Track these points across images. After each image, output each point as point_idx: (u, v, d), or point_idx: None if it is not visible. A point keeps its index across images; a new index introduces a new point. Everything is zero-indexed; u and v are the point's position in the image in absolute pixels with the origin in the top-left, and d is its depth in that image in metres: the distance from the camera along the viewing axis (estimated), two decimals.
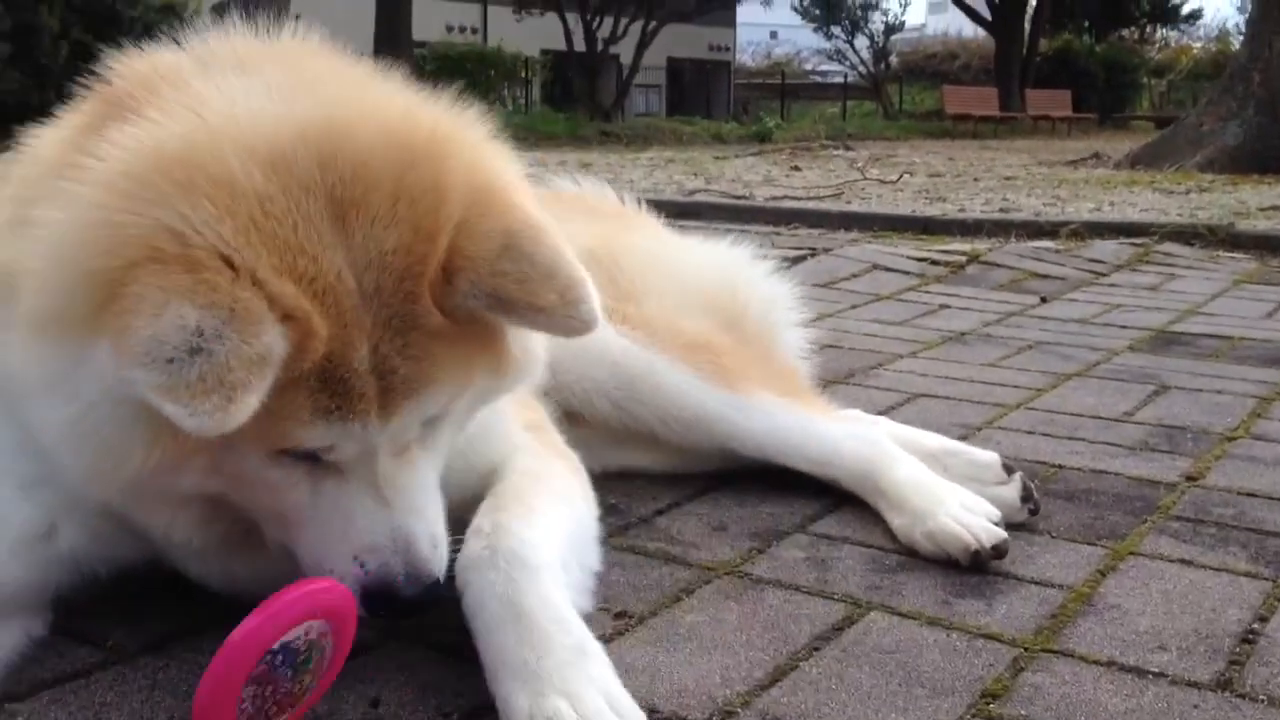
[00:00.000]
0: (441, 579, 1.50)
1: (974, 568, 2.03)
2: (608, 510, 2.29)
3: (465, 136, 1.57)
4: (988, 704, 1.61)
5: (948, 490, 2.18)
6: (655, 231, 2.85)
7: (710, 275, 2.65)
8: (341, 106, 1.47)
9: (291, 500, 1.46)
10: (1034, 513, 2.26)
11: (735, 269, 2.76)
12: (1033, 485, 2.27)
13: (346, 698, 1.56)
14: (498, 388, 1.62)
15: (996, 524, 2.08)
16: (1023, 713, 1.59)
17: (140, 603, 1.75)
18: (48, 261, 1.36)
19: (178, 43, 1.63)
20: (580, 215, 2.53)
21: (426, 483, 1.53)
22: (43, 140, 1.62)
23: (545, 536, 1.62)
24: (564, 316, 1.43)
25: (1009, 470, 2.28)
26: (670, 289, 2.50)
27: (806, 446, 2.35)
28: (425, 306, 1.41)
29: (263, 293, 1.29)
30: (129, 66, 1.59)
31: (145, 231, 1.29)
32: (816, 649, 1.76)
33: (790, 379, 2.53)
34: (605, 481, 2.42)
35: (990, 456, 2.32)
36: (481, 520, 1.64)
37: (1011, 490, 2.25)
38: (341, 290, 1.37)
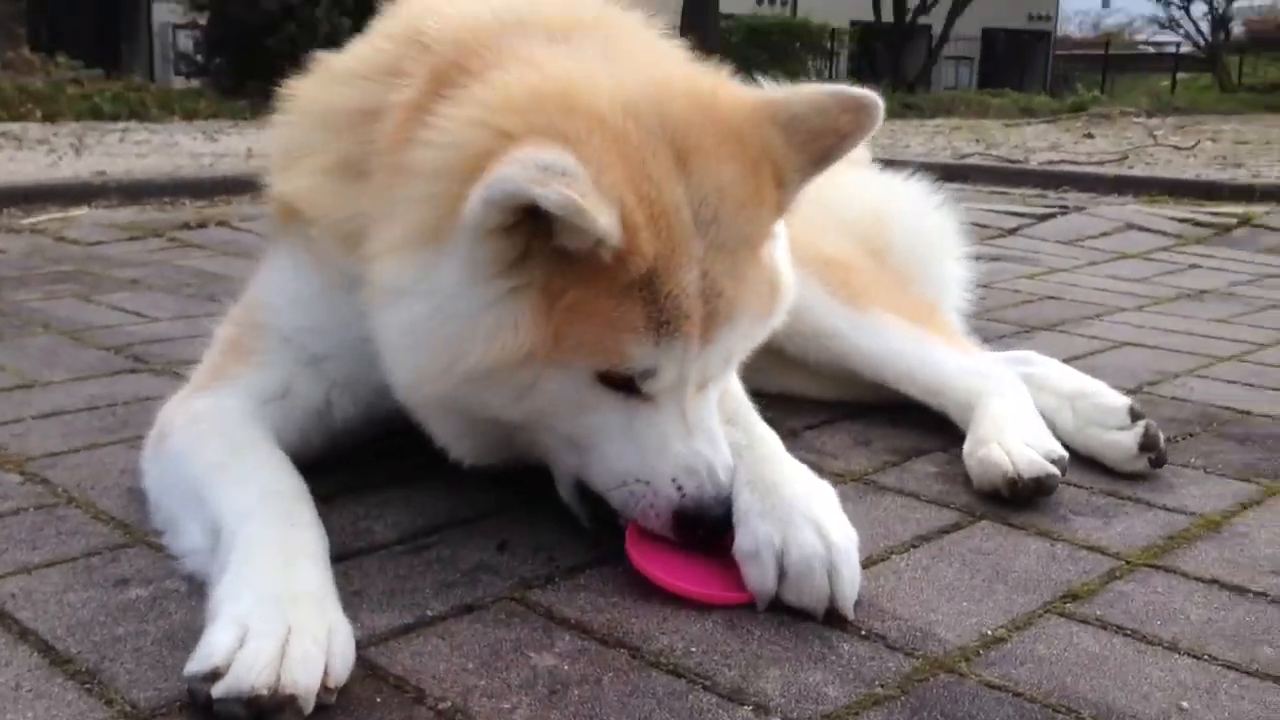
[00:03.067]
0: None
1: (1014, 500, 1.98)
2: None
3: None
4: (1065, 603, 1.66)
5: (1019, 423, 2.11)
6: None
7: (858, 201, 2.64)
8: (660, 74, 1.66)
9: (597, 423, 1.63)
10: (1155, 463, 2.12)
11: (888, 199, 2.72)
12: (1160, 436, 2.13)
13: (477, 540, 1.79)
14: (767, 325, 1.77)
15: (1055, 462, 2.00)
16: (1098, 614, 1.62)
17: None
18: (421, 184, 1.56)
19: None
20: None
21: (715, 416, 1.72)
22: (353, 94, 1.79)
23: None
24: (861, 117, 1.64)
25: (1136, 417, 2.15)
26: (816, 210, 2.52)
27: (919, 372, 2.33)
28: (760, 227, 1.64)
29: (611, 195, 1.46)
30: (442, 32, 1.74)
31: (520, 130, 1.48)
32: (915, 546, 1.84)
33: (922, 307, 2.47)
34: (767, 400, 2.55)
35: (1120, 401, 2.20)
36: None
37: (1129, 437, 2.13)
38: (675, 219, 1.53)
